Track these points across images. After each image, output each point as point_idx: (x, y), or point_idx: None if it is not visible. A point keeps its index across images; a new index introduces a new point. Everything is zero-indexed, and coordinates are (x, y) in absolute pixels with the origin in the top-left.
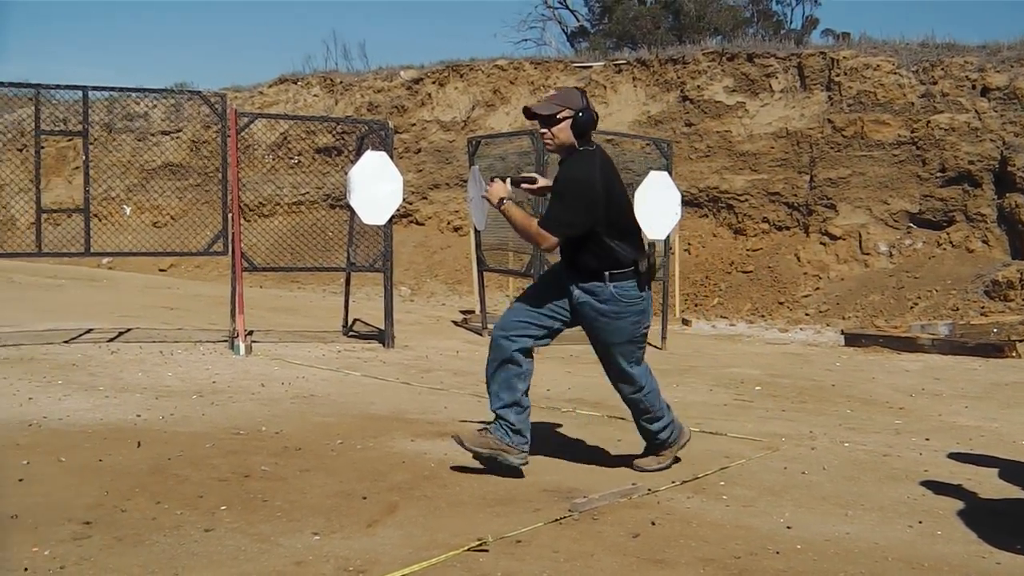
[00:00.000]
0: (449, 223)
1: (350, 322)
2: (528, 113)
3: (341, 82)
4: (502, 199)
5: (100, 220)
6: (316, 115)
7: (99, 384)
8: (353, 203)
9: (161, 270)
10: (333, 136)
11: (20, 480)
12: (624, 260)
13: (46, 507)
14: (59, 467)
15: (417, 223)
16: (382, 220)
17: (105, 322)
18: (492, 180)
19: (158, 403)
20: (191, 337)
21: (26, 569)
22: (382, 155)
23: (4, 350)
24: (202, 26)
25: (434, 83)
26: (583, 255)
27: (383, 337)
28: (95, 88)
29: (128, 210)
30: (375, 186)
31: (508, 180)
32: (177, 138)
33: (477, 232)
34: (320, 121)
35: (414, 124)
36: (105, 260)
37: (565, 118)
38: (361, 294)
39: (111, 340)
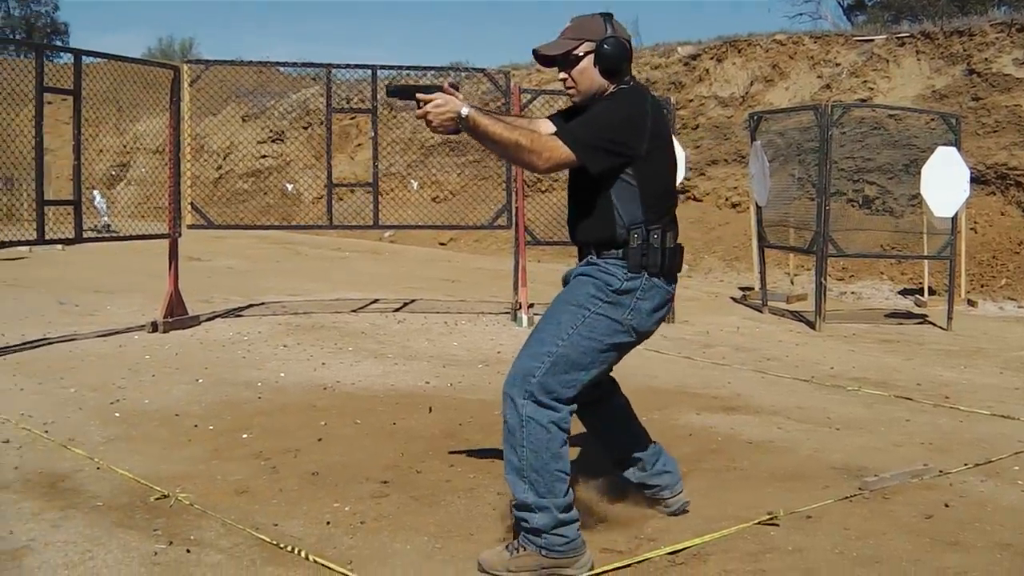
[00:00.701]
0: (727, 199)
1: None
2: (540, 58)
3: None
4: (459, 113)
5: (383, 195)
6: None
7: (387, 352)
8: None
9: (441, 244)
10: None
11: (319, 440)
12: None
13: (344, 466)
14: (355, 429)
15: (695, 199)
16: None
17: (390, 293)
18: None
19: (445, 371)
20: (473, 308)
21: (328, 523)
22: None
23: (296, 318)
24: (477, 8)
25: (712, 59)
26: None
27: None
28: (383, 67)
29: (416, 185)
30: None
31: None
32: None
33: (759, 208)
34: None
35: (691, 100)
36: (387, 234)
37: (586, 53)
38: None
39: (397, 310)
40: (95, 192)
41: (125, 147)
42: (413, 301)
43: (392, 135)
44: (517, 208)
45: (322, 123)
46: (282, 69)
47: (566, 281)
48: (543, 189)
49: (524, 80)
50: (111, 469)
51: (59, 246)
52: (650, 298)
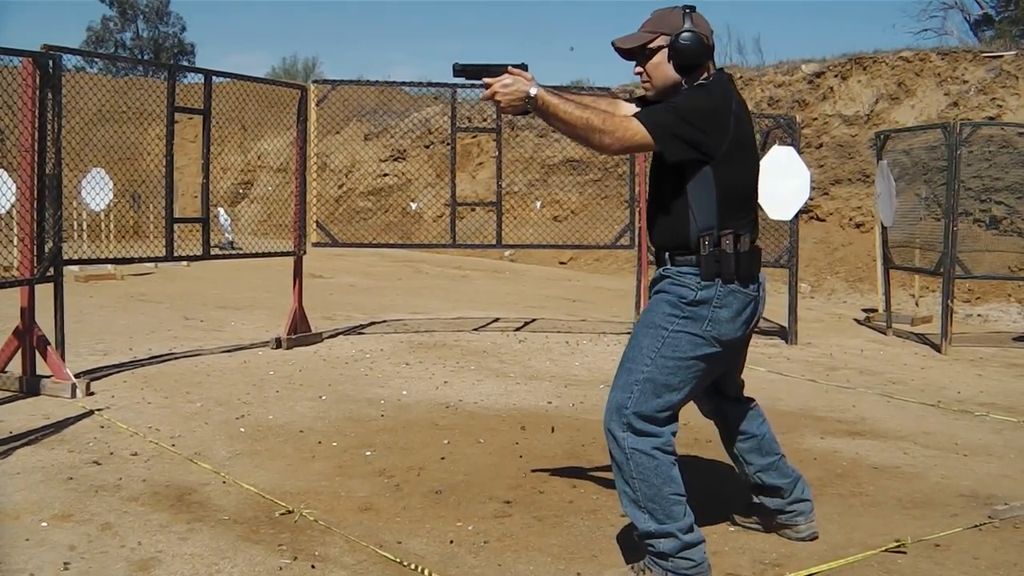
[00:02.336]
0: (851, 219)
1: None
2: (619, 51)
3: (741, 77)
4: (527, 93)
5: (505, 213)
6: None
7: (509, 371)
8: (760, 198)
9: (561, 263)
10: None
11: (442, 458)
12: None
13: (467, 485)
14: (478, 448)
15: (818, 219)
16: (788, 215)
17: (511, 312)
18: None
19: (567, 391)
20: (595, 328)
21: (451, 541)
22: (789, 150)
23: (418, 336)
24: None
25: (836, 76)
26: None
27: (785, 333)
28: None
29: (539, 204)
30: (782, 181)
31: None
32: None
33: (884, 228)
34: None
35: (815, 118)
36: (507, 252)
37: (659, 48)
38: None
39: (518, 329)
40: (220, 209)
41: (248, 165)
42: (534, 320)
43: (513, 154)
44: (640, 228)
45: (443, 142)
46: (405, 88)
47: (652, 285)
48: None
49: None
50: (237, 483)
51: (184, 262)
52: (728, 304)
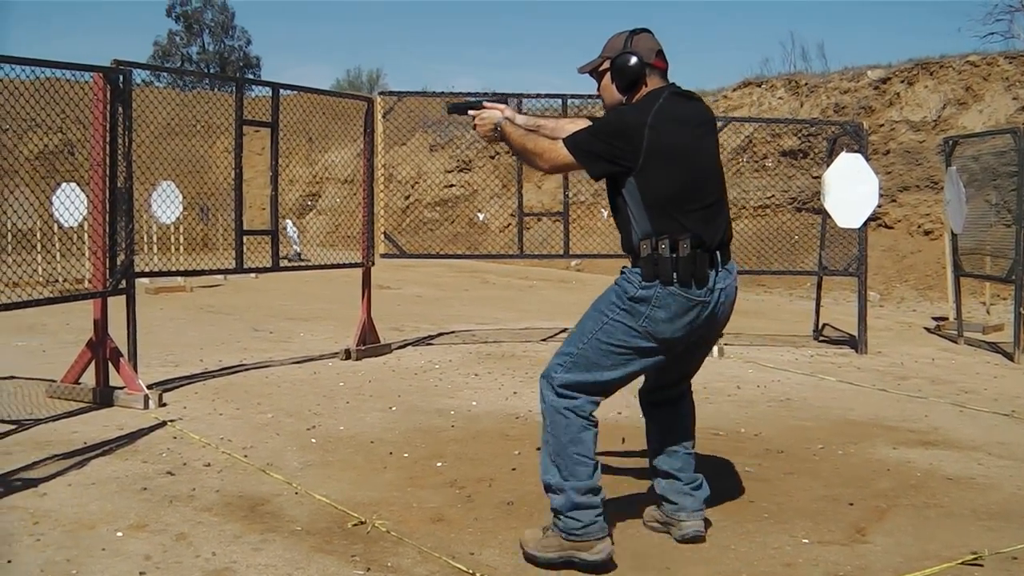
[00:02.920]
0: (920, 226)
1: (820, 326)
2: (584, 74)
3: (806, 84)
4: (496, 124)
5: (571, 223)
6: (787, 118)
7: None
8: (828, 205)
9: None
10: (799, 139)
11: (513, 469)
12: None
13: (538, 496)
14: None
15: (886, 226)
16: (857, 223)
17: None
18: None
19: (636, 401)
20: None
21: None
22: (857, 157)
23: (486, 347)
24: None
25: (902, 82)
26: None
27: (855, 342)
28: (572, 96)
29: (606, 214)
30: (850, 188)
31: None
32: None
33: (954, 236)
34: (791, 124)
35: (882, 125)
36: (574, 262)
37: (606, 70)
38: (828, 299)
39: None
40: (287, 221)
41: (315, 177)
42: None
43: None
44: None
45: (509, 152)
46: (470, 99)
47: None
48: (731, 217)
49: (711, 107)
50: (309, 494)
51: (252, 274)
52: (665, 306)
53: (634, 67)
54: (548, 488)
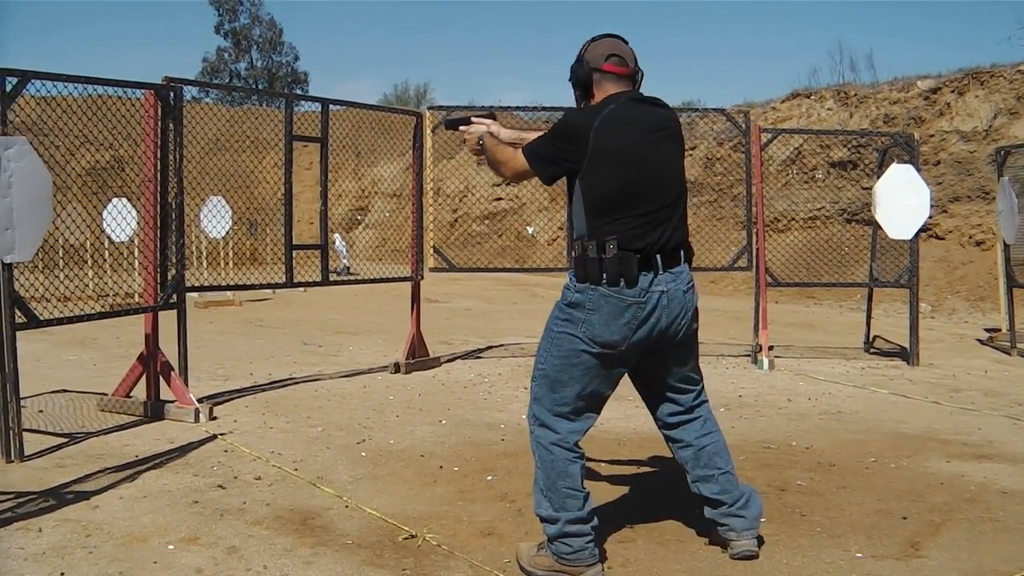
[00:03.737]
0: (971, 237)
1: (871, 338)
2: None
3: (855, 94)
4: (479, 138)
5: None
6: (836, 129)
7: (627, 394)
8: (879, 217)
9: None
10: (848, 150)
11: None
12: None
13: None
14: (598, 473)
15: (937, 237)
16: (909, 234)
17: None
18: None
19: (637, 412)
20: (712, 351)
21: None
22: (908, 168)
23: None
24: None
25: (952, 92)
26: None
27: (907, 354)
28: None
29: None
30: (901, 199)
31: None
32: (691, 155)
33: (1006, 246)
34: (841, 135)
35: (932, 135)
36: None
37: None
38: (878, 310)
39: None
40: (335, 235)
41: (363, 191)
42: None
43: None
44: (758, 249)
45: None
46: (517, 112)
47: None
48: (780, 229)
49: (760, 118)
50: (359, 508)
51: (301, 288)
52: (598, 308)
53: (580, 74)
54: (541, 519)
